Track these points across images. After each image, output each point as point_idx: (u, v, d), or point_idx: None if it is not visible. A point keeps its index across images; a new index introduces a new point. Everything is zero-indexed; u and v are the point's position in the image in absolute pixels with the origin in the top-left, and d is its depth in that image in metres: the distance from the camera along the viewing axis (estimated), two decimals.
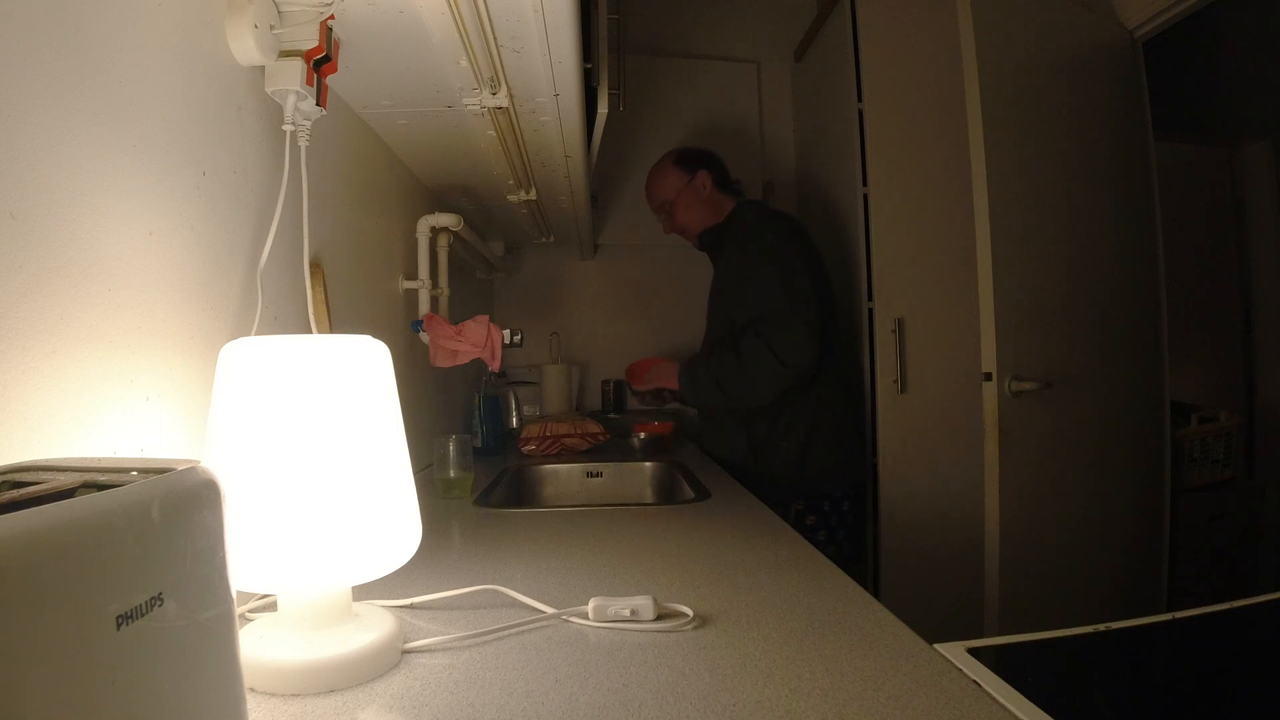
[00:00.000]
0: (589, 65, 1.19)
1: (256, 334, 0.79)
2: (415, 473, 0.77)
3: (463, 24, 0.91)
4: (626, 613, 0.67)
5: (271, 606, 0.64)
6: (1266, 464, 2.66)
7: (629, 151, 2.53)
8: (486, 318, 1.47)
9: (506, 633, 0.66)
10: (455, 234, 1.59)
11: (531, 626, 0.67)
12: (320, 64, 0.85)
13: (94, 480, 0.34)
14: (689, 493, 1.39)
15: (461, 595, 0.75)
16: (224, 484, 0.37)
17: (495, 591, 0.76)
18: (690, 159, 1.86)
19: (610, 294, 2.67)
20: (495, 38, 0.97)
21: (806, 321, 1.59)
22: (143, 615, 0.30)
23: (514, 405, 2.34)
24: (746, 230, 1.76)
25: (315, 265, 0.97)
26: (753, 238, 1.73)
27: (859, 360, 2.02)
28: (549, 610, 0.70)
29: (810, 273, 1.67)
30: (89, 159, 0.55)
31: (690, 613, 0.68)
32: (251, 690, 0.54)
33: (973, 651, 0.58)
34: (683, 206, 1.85)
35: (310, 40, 0.83)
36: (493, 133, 1.30)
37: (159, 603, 0.31)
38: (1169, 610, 0.70)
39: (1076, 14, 1.95)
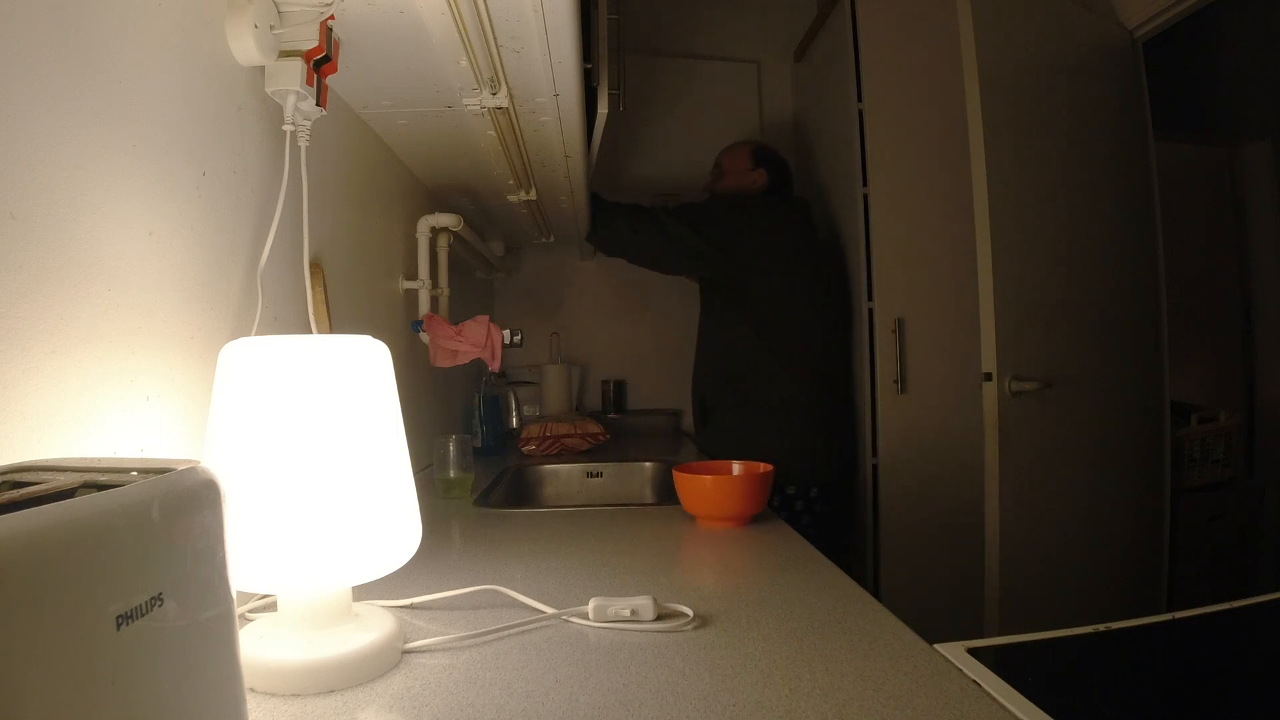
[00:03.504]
0: (589, 65, 1.19)
1: (256, 334, 0.79)
2: (415, 473, 0.77)
3: (463, 24, 0.91)
4: (626, 613, 0.67)
5: (271, 606, 0.64)
6: (1266, 464, 2.65)
7: (629, 151, 2.52)
8: (486, 318, 1.47)
9: (506, 633, 0.66)
10: (455, 234, 1.59)
11: (531, 626, 0.67)
12: (320, 64, 0.85)
13: (94, 480, 0.34)
14: None
15: (461, 595, 0.75)
16: (224, 484, 0.37)
17: (495, 591, 0.76)
18: (763, 156, 2.04)
19: (610, 294, 2.66)
20: (495, 38, 0.97)
21: (638, 224, 1.89)
22: (143, 615, 0.30)
23: (514, 405, 2.35)
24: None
25: (315, 265, 0.97)
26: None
27: (856, 360, 2.02)
28: (549, 610, 0.70)
29: (719, 228, 1.89)
30: (89, 159, 0.55)
31: (690, 613, 0.68)
32: (251, 690, 0.54)
33: (973, 651, 0.58)
34: (727, 183, 2.05)
35: (310, 40, 0.83)
36: (493, 133, 1.30)
37: (159, 603, 0.31)
38: (1169, 610, 0.70)
39: (1076, 14, 1.95)
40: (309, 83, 0.84)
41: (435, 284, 1.58)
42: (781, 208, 1.98)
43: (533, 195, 1.72)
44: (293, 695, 0.54)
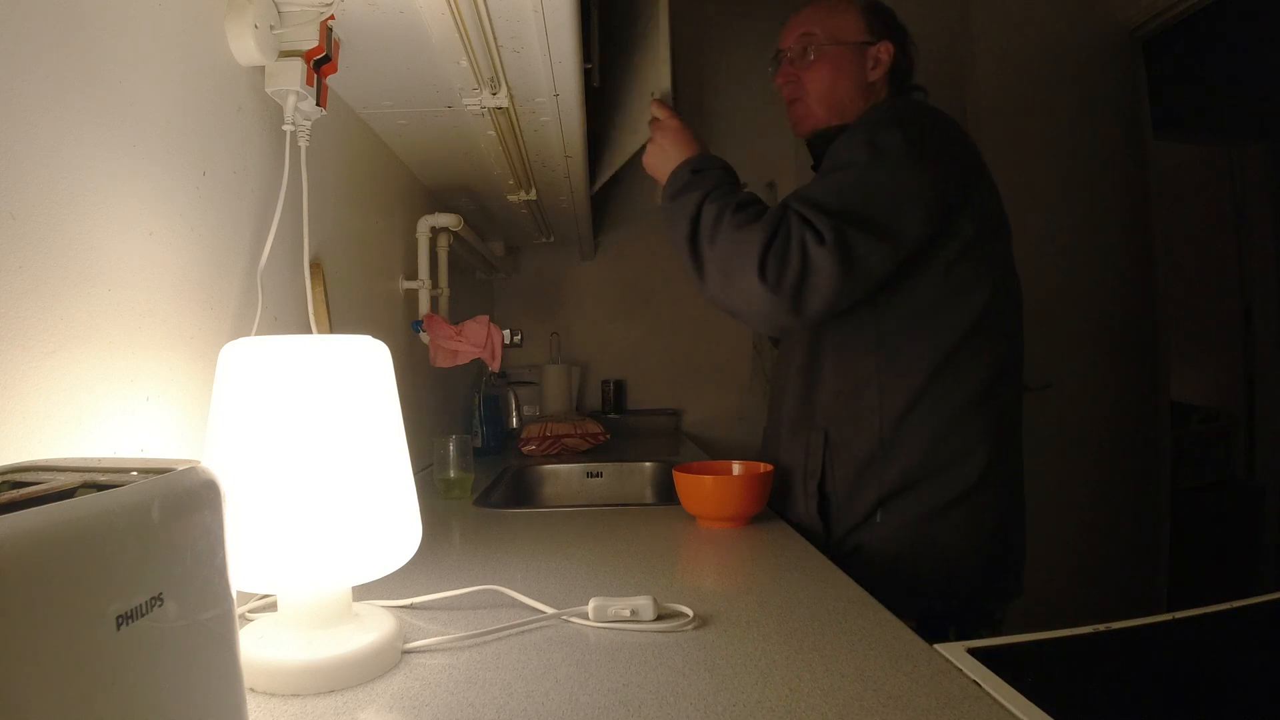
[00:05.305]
0: (589, 65, 1.19)
1: (256, 334, 0.79)
2: (415, 473, 0.76)
3: (463, 24, 0.91)
4: (626, 613, 0.67)
5: (271, 606, 0.64)
6: (1266, 464, 2.65)
7: None
8: (486, 318, 1.47)
9: (506, 633, 0.66)
10: (455, 234, 1.59)
11: (531, 627, 0.67)
12: (320, 64, 0.85)
13: (94, 480, 0.34)
14: None
15: (461, 595, 0.75)
16: (224, 484, 0.37)
17: (495, 591, 0.76)
18: (885, 19, 1.17)
19: (610, 294, 2.66)
20: (495, 38, 0.97)
21: (887, 230, 0.94)
22: (143, 615, 0.30)
23: (514, 405, 2.35)
24: (871, 119, 1.05)
25: (315, 265, 0.97)
26: (867, 126, 1.03)
27: None
28: (549, 610, 0.70)
29: (947, 184, 1.02)
30: (89, 159, 0.55)
31: (690, 613, 0.68)
32: (251, 690, 0.54)
33: (973, 651, 0.58)
34: (832, 64, 1.13)
35: (310, 40, 0.83)
36: (493, 133, 1.30)
37: (159, 603, 0.31)
38: (1169, 610, 0.70)
39: (1076, 14, 1.95)
40: (309, 83, 0.84)
41: (435, 284, 1.58)
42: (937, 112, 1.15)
43: (533, 195, 1.72)
44: (293, 695, 0.54)
